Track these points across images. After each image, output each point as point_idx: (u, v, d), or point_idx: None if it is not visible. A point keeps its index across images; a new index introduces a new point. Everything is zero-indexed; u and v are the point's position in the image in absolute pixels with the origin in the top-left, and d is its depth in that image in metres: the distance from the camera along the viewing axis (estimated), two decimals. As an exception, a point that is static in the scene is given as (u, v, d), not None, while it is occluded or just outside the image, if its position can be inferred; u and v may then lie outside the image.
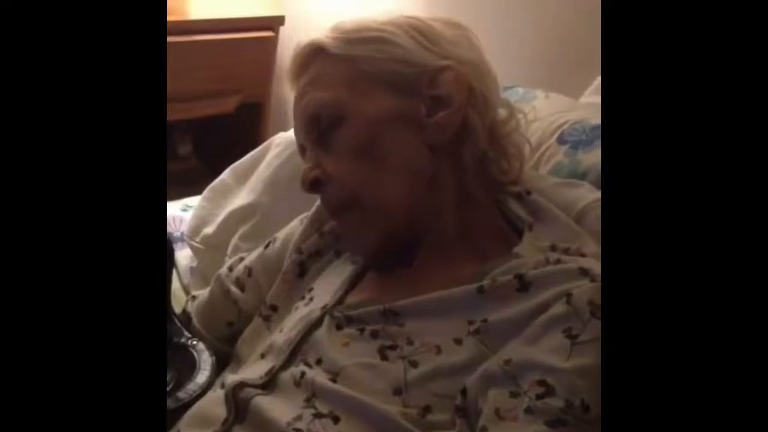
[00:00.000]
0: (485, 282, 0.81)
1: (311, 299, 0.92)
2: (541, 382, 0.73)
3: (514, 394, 0.73)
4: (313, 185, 0.89)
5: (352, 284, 0.91)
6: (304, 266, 0.97)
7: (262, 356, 0.88)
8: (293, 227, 1.02)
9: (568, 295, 0.77)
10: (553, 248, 0.86)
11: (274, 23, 1.88)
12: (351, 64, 0.89)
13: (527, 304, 0.78)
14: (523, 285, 0.80)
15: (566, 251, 0.85)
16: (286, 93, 1.79)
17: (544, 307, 0.78)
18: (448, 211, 0.88)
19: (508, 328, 0.77)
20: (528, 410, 0.72)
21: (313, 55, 0.91)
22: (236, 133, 2.12)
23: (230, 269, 1.03)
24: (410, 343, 0.80)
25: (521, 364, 0.74)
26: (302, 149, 0.94)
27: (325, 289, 0.92)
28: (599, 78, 1.27)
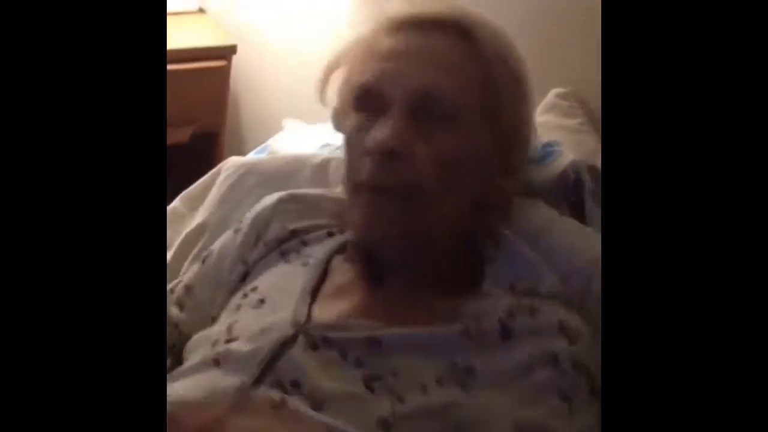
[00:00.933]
0: (470, 325, 0.81)
1: (261, 301, 0.89)
2: None
3: None
4: (389, 154, 0.83)
5: (313, 295, 0.88)
6: (247, 274, 0.95)
7: (216, 363, 0.83)
8: (227, 238, 1.00)
9: (554, 358, 0.79)
10: (513, 287, 0.86)
11: (226, 53, 1.88)
12: (491, 82, 0.87)
13: (512, 357, 0.79)
14: (506, 333, 0.81)
15: (529, 292, 0.86)
16: (240, 122, 1.78)
17: (530, 369, 0.79)
18: (445, 244, 0.88)
19: (491, 376, 0.77)
20: None
21: (462, 29, 0.87)
22: (191, 163, 2.11)
23: (171, 291, 1.01)
24: (395, 375, 0.78)
25: (528, 427, 0.75)
26: (373, 96, 0.86)
27: (279, 293, 0.89)
28: (547, 97, 1.28)
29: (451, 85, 0.85)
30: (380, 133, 0.83)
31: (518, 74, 0.90)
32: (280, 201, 1.00)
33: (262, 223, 0.98)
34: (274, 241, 0.96)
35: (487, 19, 0.89)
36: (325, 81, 0.95)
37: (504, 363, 0.79)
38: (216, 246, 1.02)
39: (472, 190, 0.88)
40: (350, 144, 0.89)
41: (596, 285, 0.91)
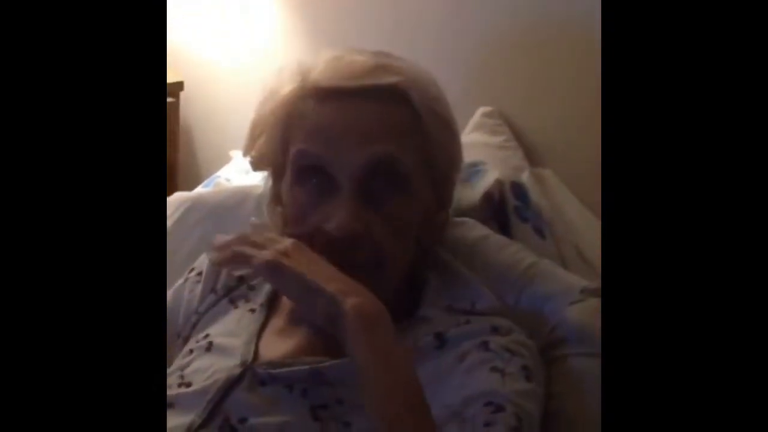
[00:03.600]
0: (407, 344, 0.83)
1: (210, 344, 0.91)
2: (489, 404, 0.77)
3: (462, 425, 0.76)
4: (355, 239, 0.83)
5: (259, 335, 0.91)
6: (198, 322, 0.98)
7: (170, 406, 0.85)
8: (177, 290, 1.02)
9: (485, 343, 0.82)
10: (450, 307, 0.89)
11: (174, 89, 1.90)
12: (427, 137, 0.88)
13: (445, 357, 0.82)
14: (442, 342, 0.84)
15: (466, 311, 0.89)
16: (195, 155, 1.79)
17: (463, 356, 0.82)
18: (392, 281, 0.89)
19: (429, 380, 0.78)
20: (487, 424, 0.75)
21: (394, 93, 0.86)
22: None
23: None
24: (340, 403, 0.81)
25: (461, 401, 0.77)
26: (318, 172, 0.85)
27: (228, 338, 0.91)
28: (475, 116, 1.34)
29: (397, 154, 0.85)
30: (338, 218, 0.83)
31: (447, 118, 0.91)
32: None
33: (216, 274, 0.99)
34: (223, 290, 0.98)
35: (413, 68, 0.89)
36: (251, 146, 0.95)
37: (440, 363, 0.82)
38: (167, 296, 1.02)
39: (416, 234, 0.91)
40: (295, 220, 0.88)
41: (525, 294, 0.97)
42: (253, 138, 0.94)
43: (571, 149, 1.32)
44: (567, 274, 1.02)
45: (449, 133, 0.91)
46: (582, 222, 1.20)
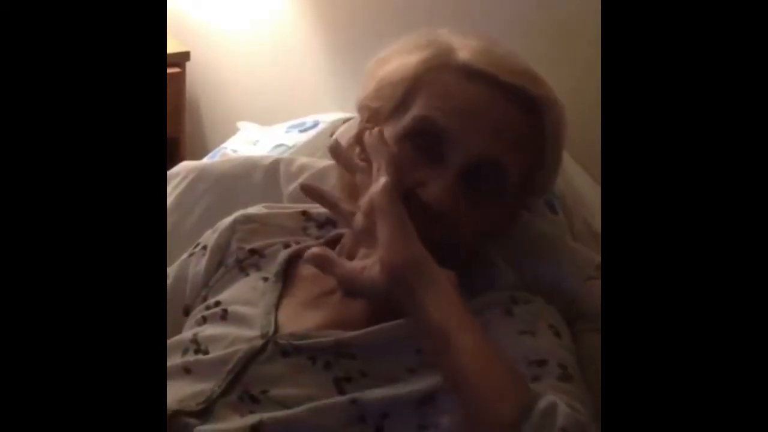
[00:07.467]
0: None
1: (225, 311, 0.90)
2: (530, 363, 0.79)
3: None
4: (443, 214, 0.84)
5: (277, 306, 0.90)
6: (208, 294, 0.97)
7: (187, 371, 0.85)
8: (183, 262, 1.02)
9: (507, 311, 0.85)
10: (471, 286, 0.88)
11: (180, 59, 1.90)
12: (543, 156, 0.90)
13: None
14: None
15: (486, 289, 0.90)
16: (201, 126, 1.77)
17: (485, 325, 0.81)
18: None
19: None
20: (535, 378, 0.78)
21: (533, 103, 0.87)
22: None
23: None
24: (364, 375, 0.81)
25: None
26: (433, 137, 0.85)
27: (243, 306, 0.91)
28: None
29: (508, 163, 0.86)
30: (436, 188, 0.84)
31: (562, 145, 0.93)
32: (236, 222, 1.02)
33: (222, 249, 0.99)
34: (233, 262, 0.98)
35: (551, 90, 0.90)
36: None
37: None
38: (171, 271, 1.02)
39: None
40: (394, 170, 0.85)
41: (544, 268, 0.98)
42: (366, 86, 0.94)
43: (581, 125, 1.31)
44: (584, 249, 1.02)
45: (559, 158, 0.94)
46: (592, 197, 1.20)
